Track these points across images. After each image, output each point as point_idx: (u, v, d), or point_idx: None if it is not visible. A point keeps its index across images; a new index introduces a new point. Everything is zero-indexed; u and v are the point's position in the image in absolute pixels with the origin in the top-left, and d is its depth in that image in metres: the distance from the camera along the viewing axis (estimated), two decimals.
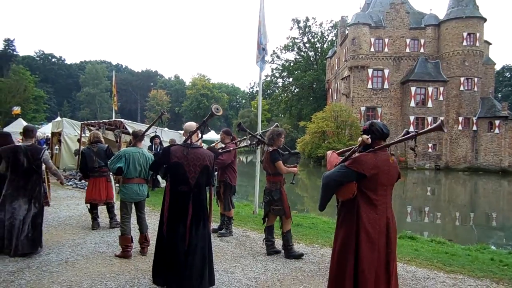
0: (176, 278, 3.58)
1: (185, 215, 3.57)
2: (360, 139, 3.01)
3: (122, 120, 13.23)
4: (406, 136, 2.94)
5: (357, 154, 2.94)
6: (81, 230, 6.44)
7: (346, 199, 2.93)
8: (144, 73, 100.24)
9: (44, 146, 15.50)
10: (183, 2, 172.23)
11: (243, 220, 7.79)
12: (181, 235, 3.57)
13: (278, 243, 5.57)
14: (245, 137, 6.71)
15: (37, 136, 6.66)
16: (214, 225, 6.46)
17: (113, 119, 15.62)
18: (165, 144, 11.35)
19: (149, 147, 11.24)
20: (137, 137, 5.33)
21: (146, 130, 5.50)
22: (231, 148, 6.22)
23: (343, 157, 3.11)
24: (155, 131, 7.38)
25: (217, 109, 3.75)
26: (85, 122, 15.53)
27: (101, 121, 14.77)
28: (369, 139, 2.88)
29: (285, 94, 63.23)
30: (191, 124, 3.90)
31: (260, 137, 5.74)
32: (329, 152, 3.43)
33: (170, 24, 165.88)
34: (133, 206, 5.20)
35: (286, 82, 64.78)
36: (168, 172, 3.81)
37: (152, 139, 11.41)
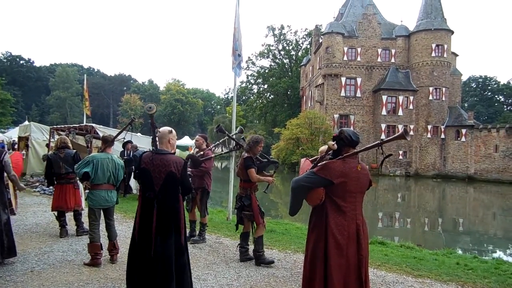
0: (142, 286, 3.52)
1: (151, 222, 3.48)
2: (324, 146, 3.05)
3: (94, 124, 12.95)
4: (372, 144, 3.01)
5: (325, 161, 2.97)
6: (48, 238, 6.23)
7: (315, 205, 2.96)
8: (117, 77, 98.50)
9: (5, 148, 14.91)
10: (158, 6, 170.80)
11: (217, 226, 7.75)
12: (147, 243, 3.47)
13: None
14: (218, 142, 6.73)
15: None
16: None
17: (84, 123, 15.26)
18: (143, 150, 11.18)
19: (121, 153, 11.02)
20: (107, 142, 5.23)
21: (116, 136, 5.40)
22: (211, 156, 6.24)
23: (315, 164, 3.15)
24: (124, 137, 7.20)
25: (150, 107, 3.75)
26: (55, 126, 15.08)
27: (71, 125, 14.39)
28: (335, 145, 2.88)
29: (260, 101, 63.62)
30: (165, 130, 3.83)
31: (237, 141, 5.79)
32: (302, 160, 3.53)
33: (144, 28, 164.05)
34: (101, 212, 5.09)
35: (261, 89, 65.26)
36: (139, 178, 3.75)
37: (124, 145, 11.18)
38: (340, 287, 2.75)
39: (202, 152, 6.25)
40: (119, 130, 5.44)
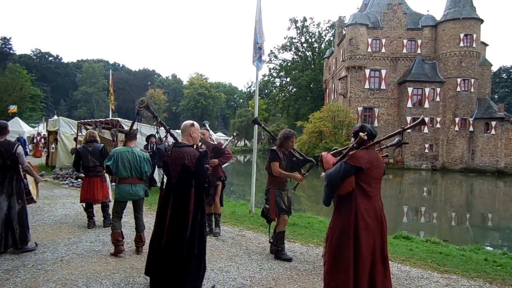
0: (154, 277, 3.60)
1: (166, 214, 3.54)
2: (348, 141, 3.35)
3: (119, 119, 13.23)
4: (394, 132, 3.48)
5: (352, 152, 3.28)
6: (77, 229, 6.43)
7: (346, 193, 3.23)
8: (141, 72, 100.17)
9: (25, 144, 15.34)
10: (181, 1, 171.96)
11: (239, 219, 7.80)
12: (161, 235, 3.54)
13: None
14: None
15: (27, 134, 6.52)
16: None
17: (110, 118, 15.60)
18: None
19: (144, 146, 11.22)
20: (127, 136, 5.30)
21: (130, 129, 5.45)
22: (225, 144, 6.55)
23: (338, 157, 3.51)
24: (136, 129, 7.31)
25: (141, 101, 3.79)
26: (82, 121, 15.49)
27: (97, 120, 14.74)
28: (366, 136, 3.24)
29: (283, 94, 63.31)
30: (187, 123, 3.86)
31: (272, 135, 5.88)
32: (324, 154, 3.83)
33: (167, 23, 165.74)
34: (132, 205, 5.26)
35: (283, 82, 64.86)
36: (163, 170, 3.81)
37: (148, 138, 11.39)
38: (369, 262, 3.07)
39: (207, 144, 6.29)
40: (134, 123, 5.45)
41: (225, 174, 6.47)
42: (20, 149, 5.09)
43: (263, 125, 6.13)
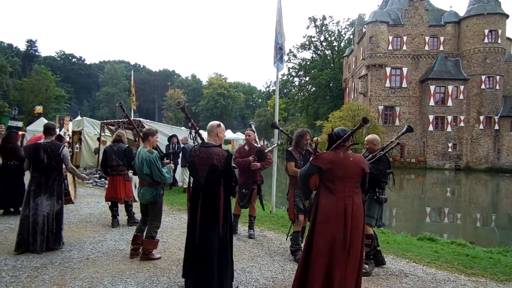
0: (189, 274, 3.66)
1: (196, 213, 3.61)
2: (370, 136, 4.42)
3: (141, 119, 13.40)
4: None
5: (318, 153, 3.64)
6: (101, 228, 6.55)
7: (315, 189, 3.58)
8: (161, 73, 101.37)
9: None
10: (201, 2, 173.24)
11: (260, 219, 7.78)
12: (194, 233, 3.61)
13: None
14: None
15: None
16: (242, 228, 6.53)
17: (132, 118, 15.84)
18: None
19: (166, 146, 11.35)
20: (142, 136, 5.14)
21: (134, 128, 5.48)
22: (270, 148, 6.71)
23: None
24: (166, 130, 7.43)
25: (178, 102, 3.81)
26: (105, 121, 15.79)
27: (120, 120, 14.99)
28: (318, 139, 3.80)
29: (302, 93, 62.97)
30: (213, 123, 3.92)
31: (290, 136, 5.88)
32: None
33: (187, 24, 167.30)
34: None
35: (302, 81, 64.49)
36: (189, 169, 3.88)
37: (169, 139, 11.52)
38: (326, 255, 3.22)
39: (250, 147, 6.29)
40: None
41: (262, 178, 6.38)
42: (65, 150, 5.23)
43: (281, 128, 6.14)
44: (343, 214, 3.28)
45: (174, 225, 6.94)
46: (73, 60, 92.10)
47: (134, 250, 4.99)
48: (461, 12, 38.42)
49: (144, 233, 4.96)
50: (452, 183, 30.33)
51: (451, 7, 39.95)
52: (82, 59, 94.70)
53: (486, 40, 35.78)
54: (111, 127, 14.79)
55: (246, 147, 6.36)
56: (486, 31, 35.72)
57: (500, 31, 35.84)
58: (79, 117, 21.60)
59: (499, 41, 35.89)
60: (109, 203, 6.83)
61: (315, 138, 3.72)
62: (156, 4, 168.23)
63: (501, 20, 36.11)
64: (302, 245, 5.33)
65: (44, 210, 5.04)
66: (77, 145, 16.05)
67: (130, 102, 24.09)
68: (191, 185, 3.85)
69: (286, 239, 5.43)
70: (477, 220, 16.11)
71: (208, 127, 3.88)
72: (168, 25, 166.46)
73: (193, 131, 4.00)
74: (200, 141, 3.93)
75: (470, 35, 36.52)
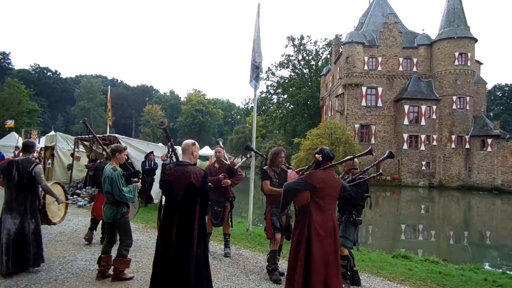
0: None
1: (171, 232, 3.54)
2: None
3: (116, 135, 13.19)
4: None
5: (310, 170, 3.84)
6: (72, 247, 6.34)
7: (302, 205, 3.70)
8: (139, 88, 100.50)
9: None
10: (179, 19, 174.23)
11: (237, 237, 7.71)
12: (167, 253, 3.54)
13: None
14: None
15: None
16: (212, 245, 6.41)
17: (107, 134, 15.57)
18: (157, 160, 11.33)
19: (142, 163, 11.19)
20: (109, 153, 5.06)
21: (99, 143, 5.36)
22: (239, 164, 6.66)
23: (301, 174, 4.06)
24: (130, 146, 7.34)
25: (162, 122, 3.82)
26: (79, 136, 15.47)
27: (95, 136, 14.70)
28: (320, 157, 3.73)
29: (280, 111, 63.58)
30: (188, 142, 3.90)
31: (264, 157, 5.95)
32: (289, 171, 4.61)
33: (166, 40, 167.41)
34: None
35: (281, 99, 65.20)
36: (162, 189, 3.82)
37: (147, 156, 11.37)
38: (323, 272, 3.44)
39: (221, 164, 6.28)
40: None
41: (234, 195, 6.39)
42: (38, 168, 4.96)
43: (255, 149, 6.21)
44: (333, 230, 3.60)
45: (148, 244, 6.79)
46: (48, 73, 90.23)
47: (100, 272, 4.80)
48: (433, 35, 39.98)
49: (111, 254, 4.83)
50: (426, 200, 30.97)
51: (423, 30, 41.44)
52: (58, 72, 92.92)
53: (456, 63, 37.25)
54: (86, 143, 14.50)
55: (216, 164, 6.35)
56: (457, 54, 37.23)
57: (469, 54, 37.42)
58: (52, 132, 21.09)
59: (469, 63, 37.42)
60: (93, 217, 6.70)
61: (317, 155, 3.75)
62: (135, 19, 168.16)
63: (470, 44, 37.75)
64: (279, 263, 5.32)
65: (9, 229, 4.79)
66: (49, 161, 15.60)
67: (106, 117, 23.73)
68: (163, 203, 3.77)
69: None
70: (450, 237, 16.46)
71: (183, 145, 3.87)
72: (147, 40, 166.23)
73: (170, 150, 3.98)
74: (175, 160, 3.90)
75: (442, 57, 37.97)
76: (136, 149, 12.14)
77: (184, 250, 3.51)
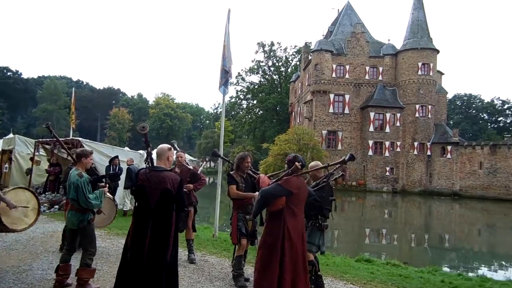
0: None
1: (144, 238, 3.46)
2: (314, 162, 4.57)
3: (80, 138, 12.77)
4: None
5: (286, 177, 3.91)
6: (28, 256, 6.06)
7: (275, 210, 3.78)
8: (106, 91, 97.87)
9: None
10: (148, 21, 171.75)
11: (202, 243, 7.63)
12: (139, 259, 3.45)
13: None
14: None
15: None
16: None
17: (71, 137, 15.07)
18: (123, 164, 11.07)
19: (107, 167, 10.89)
20: (74, 157, 4.86)
21: (63, 147, 5.17)
22: (201, 168, 6.58)
23: (274, 179, 4.14)
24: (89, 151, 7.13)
25: (143, 127, 3.75)
26: (40, 140, 14.85)
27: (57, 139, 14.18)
28: (300, 165, 3.87)
29: (249, 116, 63.80)
30: (164, 147, 3.84)
31: (231, 162, 5.91)
32: (261, 175, 4.57)
33: (135, 42, 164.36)
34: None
35: (250, 104, 65.51)
36: (135, 194, 3.72)
37: (111, 160, 11.07)
38: (291, 271, 3.63)
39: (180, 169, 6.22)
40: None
41: (196, 199, 6.36)
42: None
43: (222, 155, 6.24)
44: (301, 235, 3.80)
45: (110, 251, 6.60)
46: (8, 73, 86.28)
47: (58, 282, 4.60)
48: (398, 45, 41.47)
49: (70, 262, 4.65)
50: (389, 205, 31.90)
51: (389, 40, 42.87)
52: (19, 73, 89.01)
53: (419, 72, 38.78)
54: (47, 146, 13.95)
55: (177, 169, 6.27)
56: (420, 64, 38.78)
57: (432, 65, 39.09)
58: (10, 135, 20.16)
59: (431, 73, 39.08)
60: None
61: (297, 164, 3.87)
62: (102, 20, 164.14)
63: (432, 55, 39.45)
64: (244, 269, 5.30)
65: None
66: (6, 165, 14.89)
67: (69, 120, 22.96)
68: (136, 210, 3.67)
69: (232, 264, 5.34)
70: (411, 240, 17.00)
71: (158, 150, 3.80)
72: (115, 42, 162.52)
73: (148, 155, 3.88)
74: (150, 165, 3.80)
75: (406, 67, 39.43)
76: (100, 153, 11.80)
77: (157, 258, 3.45)
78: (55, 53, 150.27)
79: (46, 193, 12.32)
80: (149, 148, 3.82)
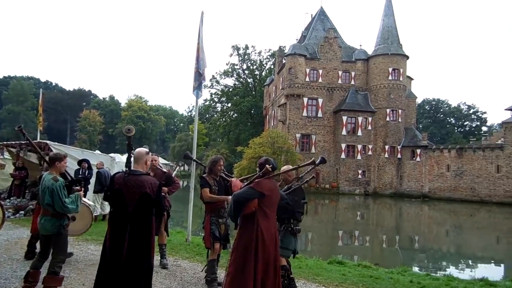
0: None
1: (122, 243, 3.40)
2: (286, 166, 4.41)
3: (48, 141, 12.32)
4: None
5: (258, 179, 3.91)
6: None
7: (248, 213, 3.77)
8: (76, 92, 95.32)
9: None
10: (121, 22, 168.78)
11: (175, 248, 7.52)
12: (117, 265, 3.38)
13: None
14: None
15: None
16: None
17: (38, 140, 14.55)
18: (94, 168, 10.79)
19: (76, 171, 10.57)
20: (48, 161, 4.70)
21: (37, 152, 4.98)
22: (175, 172, 6.36)
23: (245, 183, 4.15)
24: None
25: (128, 129, 3.67)
26: (5, 142, 14.28)
27: (23, 142, 13.66)
28: (271, 168, 3.88)
29: (224, 119, 63.68)
30: (142, 151, 3.77)
31: (203, 164, 5.98)
32: (233, 179, 4.65)
33: (106, 43, 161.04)
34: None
35: (224, 107, 65.38)
36: (110, 199, 3.63)
37: (80, 163, 10.76)
38: (261, 273, 3.63)
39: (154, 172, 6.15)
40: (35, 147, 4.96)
41: (170, 203, 6.30)
42: None
43: (195, 158, 6.22)
44: (274, 238, 3.82)
45: (78, 257, 6.40)
46: None
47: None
48: (370, 51, 42.47)
49: (41, 269, 4.46)
50: (361, 207, 32.51)
51: (361, 45, 43.79)
52: None
53: (390, 77, 39.83)
54: (12, 149, 13.42)
55: (151, 173, 6.18)
56: (390, 69, 39.84)
57: (401, 70, 40.25)
58: None
59: (401, 78, 40.22)
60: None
61: (267, 166, 3.89)
62: (71, 20, 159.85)
63: (402, 60, 40.63)
64: (217, 273, 5.25)
65: None
66: None
67: (37, 122, 22.20)
68: (113, 214, 3.59)
69: (203, 269, 5.29)
70: (383, 242, 17.37)
71: (136, 154, 3.73)
72: (86, 42, 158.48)
73: (131, 159, 3.79)
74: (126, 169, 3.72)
75: (377, 72, 40.42)
76: (70, 157, 11.39)
77: (136, 263, 3.41)
78: (22, 53, 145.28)
79: (11, 198, 11.84)
80: (131, 151, 3.75)
